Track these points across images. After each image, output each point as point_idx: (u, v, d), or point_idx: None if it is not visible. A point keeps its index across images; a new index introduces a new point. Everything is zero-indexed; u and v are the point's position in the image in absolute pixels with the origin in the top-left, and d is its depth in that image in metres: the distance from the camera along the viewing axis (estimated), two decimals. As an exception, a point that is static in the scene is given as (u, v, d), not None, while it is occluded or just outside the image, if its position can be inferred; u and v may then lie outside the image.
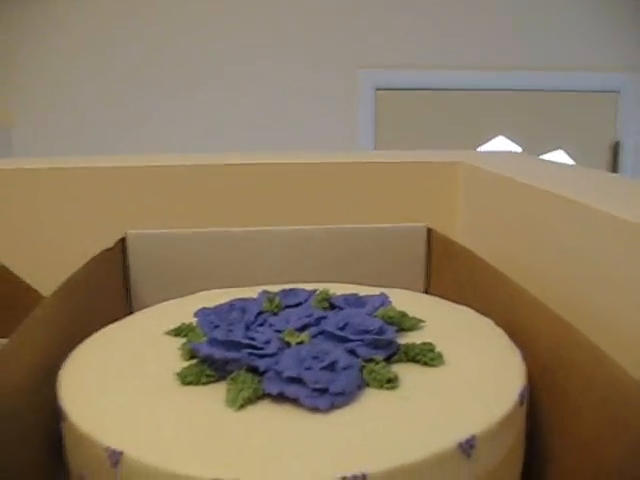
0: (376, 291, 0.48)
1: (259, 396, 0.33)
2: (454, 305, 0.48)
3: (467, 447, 0.30)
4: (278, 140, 2.22)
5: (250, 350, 0.35)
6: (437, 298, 0.50)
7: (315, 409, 0.32)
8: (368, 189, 0.75)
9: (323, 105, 2.23)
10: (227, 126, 2.27)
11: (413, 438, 0.30)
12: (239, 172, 0.72)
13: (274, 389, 0.33)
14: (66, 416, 0.34)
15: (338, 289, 0.48)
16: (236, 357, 0.35)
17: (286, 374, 0.33)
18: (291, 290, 0.46)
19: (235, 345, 0.35)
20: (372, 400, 0.34)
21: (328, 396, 0.33)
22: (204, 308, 0.43)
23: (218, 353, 0.35)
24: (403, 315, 0.43)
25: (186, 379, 0.35)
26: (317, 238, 0.63)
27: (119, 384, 0.36)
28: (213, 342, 0.36)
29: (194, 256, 0.61)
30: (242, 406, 0.33)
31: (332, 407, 0.32)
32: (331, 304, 0.44)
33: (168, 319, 0.45)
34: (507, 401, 0.33)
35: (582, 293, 0.48)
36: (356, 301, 0.44)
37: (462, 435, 0.30)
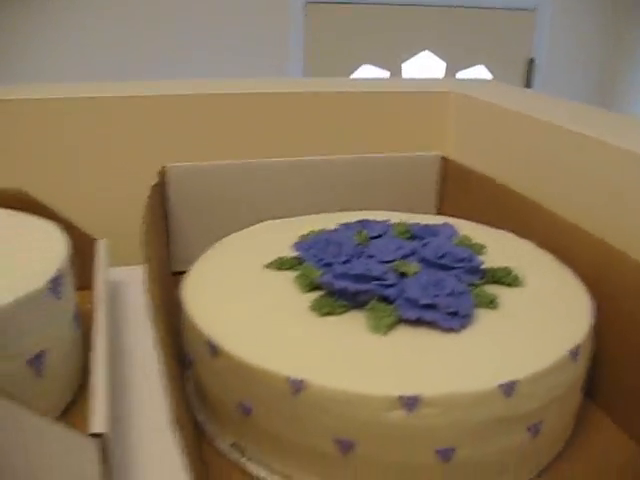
0: (429, 219, 0.53)
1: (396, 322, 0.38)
2: (496, 230, 0.53)
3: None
4: (207, 58, 2.17)
5: (377, 281, 0.40)
6: (477, 224, 0.55)
7: (449, 330, 0.37)
8: (363, 119, 0.77)
9: (252, 20, 2.18)
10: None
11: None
12: (235, 102, 0.72)
13: (412, 315, 0.38)
14: (225, 350, 0.37)
15: (376, 216, 0.52)
16: (368, 288, 0.39)
17: (422, 301, 0.38)
18: (366, 221, 0.50)
19: (364, 277, 0.40)
20: (485, 319, 0.39)
21: (458, 318, 0.38)
22: (300, 242, 0.46)
23: (351, 286, 0.39)
24: (470, 241, 0.48)
25: (323, 310, 0.39)
26: (336, 167, 0.66)
27: (260, 317, 0.39)
28: (341, 276, 0.40)
29: (224, 188, 0.63)
30: (386, 331, 0.37)
31: (462, 327, 0.38)
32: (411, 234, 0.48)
33: (254, 251, 0.48)
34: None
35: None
36: (430, 231, 0.48)
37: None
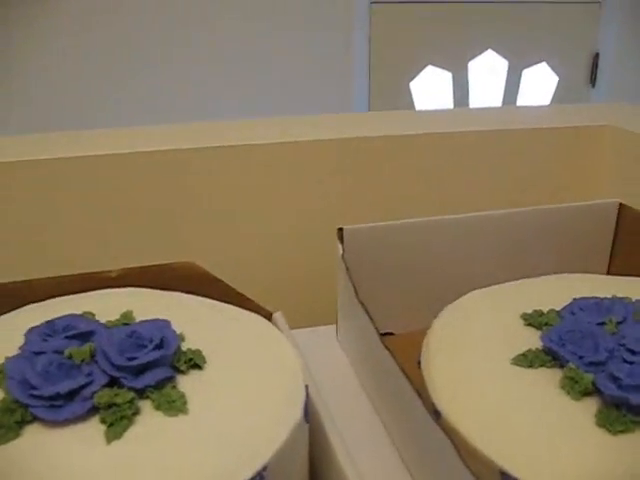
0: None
1: None
2: None
3: None
4: (268, 59, 2.13)
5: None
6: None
7: None
8: (508, 161, 0.73)
9: (316, 21, 2.13)
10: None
11: None
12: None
13: None
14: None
15: (579, 283, 0.48)
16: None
17: None
18: (596, 300, 0.46)
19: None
20: None
21: None
22: (547, 334, 0.42)
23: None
24: None
25: (615, 427, 0.35)
26: (492, 223, 0.62)
27: (538, 434, 0.36)
28: (631, 388, 0.36)
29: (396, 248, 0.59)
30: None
31: None
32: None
33: (485, 336, 0.44)
34: None
35: None
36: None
37: None
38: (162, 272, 0.50)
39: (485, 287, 0.53)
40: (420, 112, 0.79)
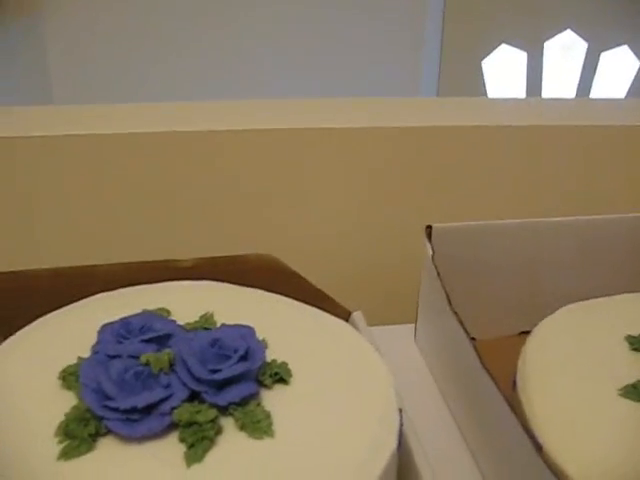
0: None
1: None
2: None
3: None
4: (331, 35, 2.06)
5: None
6: None
7: None
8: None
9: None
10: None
11: None
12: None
13: None
14: None
15: None
16: None
17: None
18: None
19: None
20: None
21: None
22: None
23: None
24: None
25: None
26: (581, 229, 0.57)
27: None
28: None
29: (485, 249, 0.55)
30: None
31: None
32: None
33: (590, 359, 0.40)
34: None
35: None
36: None
37: None
38: (237, 263, 0.46)
39: (577, 299, 0.49)
40: (492, 100, 0.73)
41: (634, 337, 0.42)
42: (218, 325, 0.36)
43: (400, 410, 0.34)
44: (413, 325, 0.57)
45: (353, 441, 0.31)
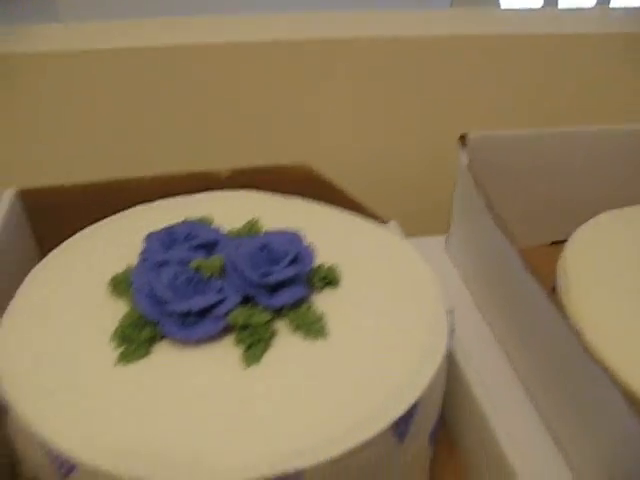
0: None
1: None
2: None
3: None
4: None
5: None
6: None
7: None
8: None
9: None
10: None
11: None
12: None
13: None
14: None
15: None
16: None
17: None
18: None
19: None
20: None
21: None
22: None
23: None
24: None
25: None
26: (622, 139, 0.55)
27: None
28: None
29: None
30: None
31: None
32: None
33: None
34: None
35: None
36: None
37: None
38: (274, 173, 0.46)
39: (616, 207, 0.48)
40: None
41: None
42: (263, 232, 0.36)
43: (449, 312, 0.34)
44: (443, 237, 0.57)
45: (405, 343, 0.31)
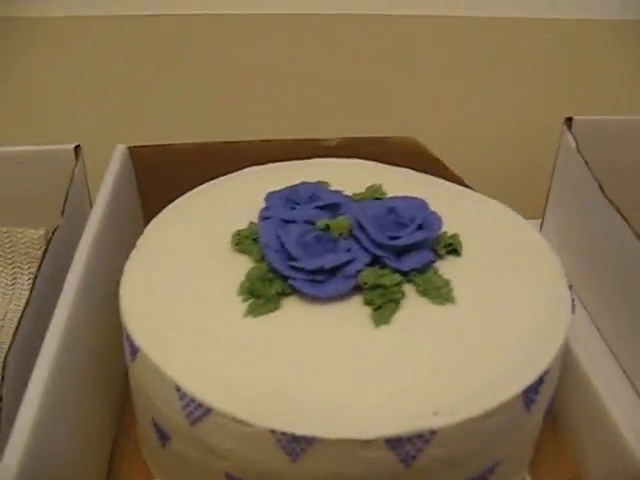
0: None
1: None
2: None
3: None
4: None
5: None
6: None
7: None
8: None
9: None
10: None
11: None
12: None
13: None
14: None
15: None
16: None
17: None
18: None
19: None
20: None
21: None
22: None
23: None
24: None
25: None
26: None
27: None
28: None
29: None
30: None
31: None
32: None
33: None
34: None
35: None
36: None
37: None
38: (381, 144, 0.46)
39: None
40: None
41: None
42: (387, 197, 0.36)
43: (570, 287, 0.33)
44: (537, 221, 0.56)
45: (531, 312, 0.31)
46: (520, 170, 0.61)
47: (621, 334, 0.43)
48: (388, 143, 0.45)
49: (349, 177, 0.39)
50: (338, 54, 0.55)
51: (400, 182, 0.39)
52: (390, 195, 0.36)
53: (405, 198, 0.34)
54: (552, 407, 0.34)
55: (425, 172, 0.44)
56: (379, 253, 0.31)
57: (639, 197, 0.52)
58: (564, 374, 0.35)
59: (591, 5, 0.58)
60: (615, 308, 0.44)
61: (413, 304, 0.31)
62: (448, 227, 0.34)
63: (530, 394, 0.28)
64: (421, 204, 0.34)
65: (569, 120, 0.49)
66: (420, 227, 0.32)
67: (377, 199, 0.35)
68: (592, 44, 0.59)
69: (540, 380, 0.28)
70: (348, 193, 0.37)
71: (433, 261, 0.32)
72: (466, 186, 0.47)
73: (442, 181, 0.41)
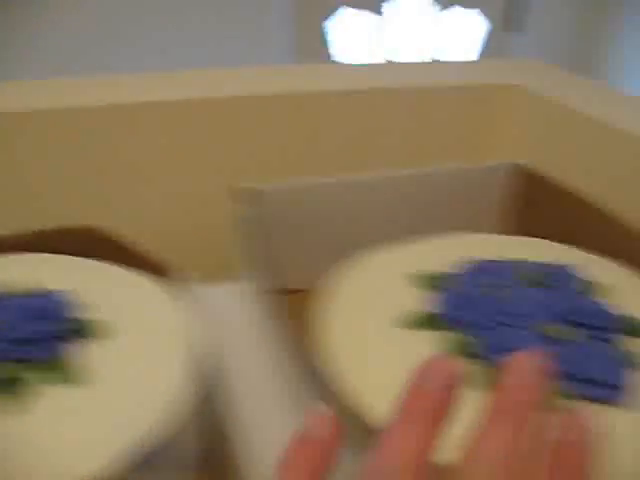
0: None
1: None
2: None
3: None
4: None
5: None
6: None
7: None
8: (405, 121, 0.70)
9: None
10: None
11: None
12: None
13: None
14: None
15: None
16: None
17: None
18: (484, 263, 0.48)
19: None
20: None
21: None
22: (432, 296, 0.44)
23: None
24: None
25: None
26: (395, 184, 0.61)
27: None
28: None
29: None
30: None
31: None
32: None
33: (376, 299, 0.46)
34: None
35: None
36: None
37: None
38: (60, 236, 0.49)
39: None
40: (322, 66, 0.77)
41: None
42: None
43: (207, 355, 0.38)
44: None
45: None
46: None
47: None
48: (66, 233, 0.48)
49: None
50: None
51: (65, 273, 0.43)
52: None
53: (41, 292, 0.38)
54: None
55: (108, 257, 0.47)
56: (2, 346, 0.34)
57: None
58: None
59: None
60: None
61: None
62: (95, 312, 0.38)
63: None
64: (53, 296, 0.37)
65: (236, 190, 0.54)
66: (43, 318, 0.35)
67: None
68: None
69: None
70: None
71: (59, 348, 0.35)
72: (149, 262, 0.51)
73: (106, 265, 0.45)
